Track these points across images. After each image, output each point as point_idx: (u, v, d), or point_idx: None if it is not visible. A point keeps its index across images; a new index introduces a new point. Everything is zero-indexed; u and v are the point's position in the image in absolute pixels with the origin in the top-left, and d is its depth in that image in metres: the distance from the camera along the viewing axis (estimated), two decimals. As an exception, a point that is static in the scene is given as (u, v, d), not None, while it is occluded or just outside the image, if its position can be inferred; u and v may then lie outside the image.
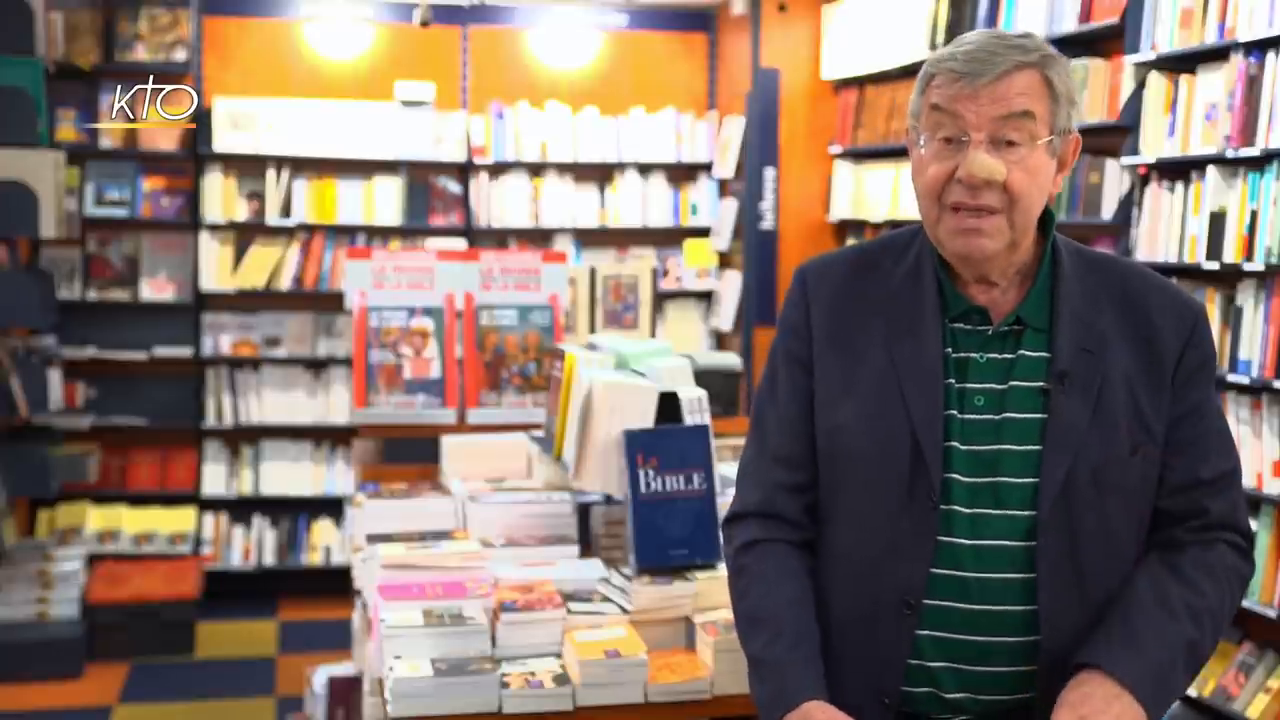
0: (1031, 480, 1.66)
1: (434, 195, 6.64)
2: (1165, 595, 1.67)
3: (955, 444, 1.69)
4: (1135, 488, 1.69)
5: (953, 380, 1.71)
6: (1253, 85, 3.72)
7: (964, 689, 1.69)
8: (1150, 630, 1.64)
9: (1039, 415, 1.68)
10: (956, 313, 1.73)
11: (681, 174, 6.93)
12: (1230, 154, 3.76)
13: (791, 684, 1.70)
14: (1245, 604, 3.71)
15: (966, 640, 1.67)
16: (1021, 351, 1.71)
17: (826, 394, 1.76)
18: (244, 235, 6.47)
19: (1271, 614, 3.63)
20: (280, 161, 6.42)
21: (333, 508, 6.41)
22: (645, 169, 6.84)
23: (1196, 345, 1.73)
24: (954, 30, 5.24)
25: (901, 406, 1.70)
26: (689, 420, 2.54)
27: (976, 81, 1.63)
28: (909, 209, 5.47)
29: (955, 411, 1.69)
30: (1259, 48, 3.72)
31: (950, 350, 1.72)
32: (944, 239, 1.70)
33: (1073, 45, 4.58)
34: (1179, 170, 4.02)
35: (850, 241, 6.02)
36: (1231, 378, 3.74)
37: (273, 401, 6.46)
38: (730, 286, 6.71)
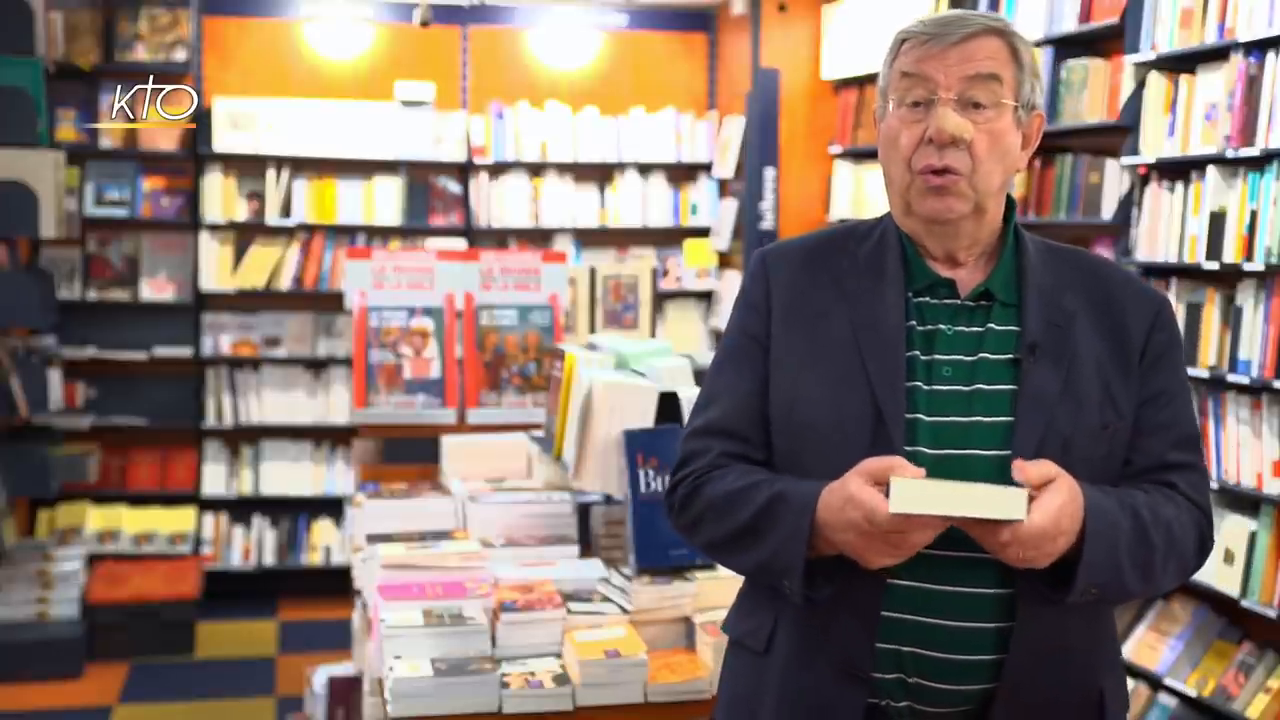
0: (1001, 453, 1.64)
1: (434, 195, 6.64)
2: (1123, 491, 1.66)
3: (920, 416, 1.67)
4: (1103, 464, 1.68)
5: (918, 352, 1.70)
6: (1253, 85, 3.72)
7: (925, 676, 1.65)
8: (1109, 493, 1.64)
9: (1010, 386, 1.67)
10: (922, 285, 1.73)
11: (681, 174, 6.93)
12: (1230, 154, 3.76)
13: (797, 502, 1.62)
14: (1245, 604, 3.71)
15: (934, 624, 1.64)
16: (990, 325, 1.71)
17: (786, 368, 1.75)
18: (244, 235, 6.47)
19: (1271, 614, 3.62)
20: (280, 161, 6.42)
21: (333, 508, 6.41)
22: (645, 169, 6.84)
23: (1162, 329, 1.74)
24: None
25: (863, 377, 1.68)
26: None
27: (944, 41, 1.67)
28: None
29: (921, 383, 1.68)
30: (1259, 48, 3.72)
31: (915, 323, 1.71)
32: (914, 201, 1.71)
33: (1073, 45, 4.58)
34: (1179, 170, 4.01)
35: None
36: (1231, 378, 3.73)
37: (273, 401, 6.46)
38: (730, 286, 6.71)
